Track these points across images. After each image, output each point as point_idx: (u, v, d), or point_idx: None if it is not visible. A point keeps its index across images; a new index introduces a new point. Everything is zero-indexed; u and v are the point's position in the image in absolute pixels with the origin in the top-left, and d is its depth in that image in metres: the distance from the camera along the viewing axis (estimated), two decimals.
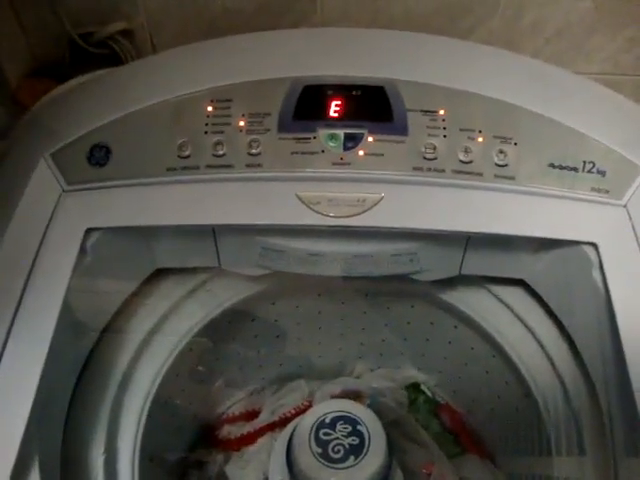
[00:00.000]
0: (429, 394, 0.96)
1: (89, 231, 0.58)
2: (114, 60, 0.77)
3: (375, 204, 0.56)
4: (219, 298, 0.73)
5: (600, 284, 0.55)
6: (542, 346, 0.68)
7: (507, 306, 0.71)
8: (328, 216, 0.56)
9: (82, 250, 0.57)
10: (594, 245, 0.56)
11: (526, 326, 0.71)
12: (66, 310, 0.54)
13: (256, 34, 0.65)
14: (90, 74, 0.70)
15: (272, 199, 0.57)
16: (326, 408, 0.68)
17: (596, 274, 0.56)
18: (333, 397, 0.97)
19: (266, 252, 0.62)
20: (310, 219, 0.56)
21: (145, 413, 0.64)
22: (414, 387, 0.97)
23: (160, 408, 0.67)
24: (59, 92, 0.69)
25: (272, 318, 0.86)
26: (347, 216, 0.56)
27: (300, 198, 0.56)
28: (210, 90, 0.60)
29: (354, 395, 0.98)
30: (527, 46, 0.78)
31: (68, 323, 0.54)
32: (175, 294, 0.71)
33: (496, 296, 0.72)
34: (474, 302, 0.74)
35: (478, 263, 0.65)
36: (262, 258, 0.63)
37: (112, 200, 0.58)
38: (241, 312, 0.79)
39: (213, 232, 0.62)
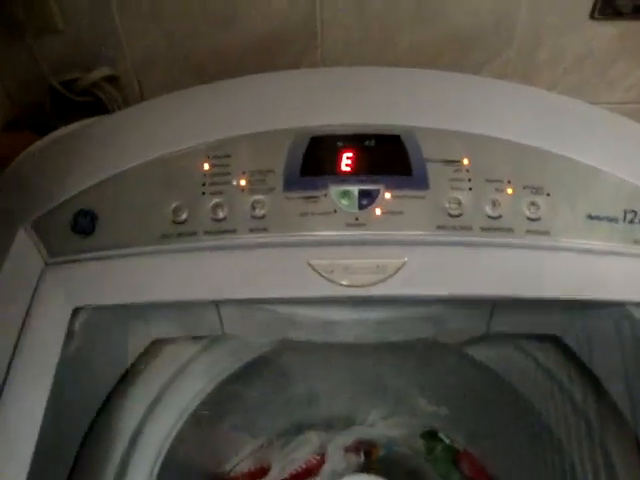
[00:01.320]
0: (447, 442, 0.91)
1: (77, 310, 0.51)
2: (99, 107, 0.70)
3: (397, 270, 0.50)
4: (224, 363, 0.66)
5: None
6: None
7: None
8: (345, 286, 0.50)
9: (69, 333, 0.51)
10: None
11: (556, 380, 0.65)
12: (55, 398, 0.48)
13: (253, 77, 0.59)
14: (75, 124, 0.63)
15: (281, 268, 0.51)
16: None
17: None
18: (347, 449, 0.92)
19: (275, 321, 0.55)
20: (325, 290, 0.50)
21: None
22: (431, 435, 0.92)
23: (167, 471, 0.64)
24: (39, 147, 0.62)
25: (280, 369, 0.80)
26: (366, 285, 0.50)
27: (313, 266, 0.50)
28: (206, 145, 0.54)
29: (368, 445, 0.93)
30: (545, 77, 0.72)
31: (57, 411, 0.48)
32: (177, 361, 0.65)
33: (524, 350, 0.66)
34: (499, 355, 0.68)
35: (507, 322, 0.60)
36: (270, 327, 0.56)
37: (101, 274, 0.52)
38: (247, 369, 0.73)
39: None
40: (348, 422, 0.92)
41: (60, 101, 0.70)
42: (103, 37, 0.67)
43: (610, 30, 0.68)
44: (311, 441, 0.90)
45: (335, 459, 0.87)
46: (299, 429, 0.91)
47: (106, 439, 0.59)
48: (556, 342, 0.63)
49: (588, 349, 0.60)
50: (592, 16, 0.67)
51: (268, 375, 0.80)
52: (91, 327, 0.52)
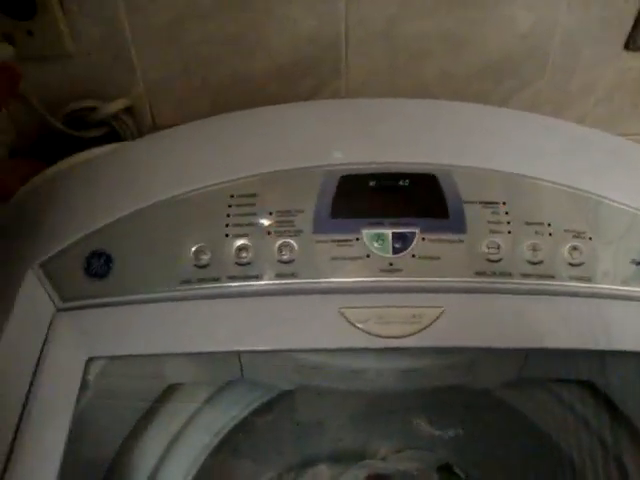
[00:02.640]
0: (463, 476, 0.88)
1: (91, 360, 0.48)
2: (110, 133, 0.67)
3: (434, 320, 0.47)
4: (239, 404, 0.63)
5: None
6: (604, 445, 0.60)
7: (567, 405, 0.63)
8: (379, 336, 0.47)
9: (84, 383, 0.47)
10: None
11: (586, 424, 0.62)
12: (70, 451, 0.44)
13: (276, 108, 0.56)
14: (86, 152, 0.60)
15: (310, 317, 0.48)
16: None
17: None
18: None
19: (301, 369, 0.52)
20: (357, 341, 0.47)
21: None
22: (446, 469, 0.89)
23: None
24: (47, 178, 0.58)
25: (290, 402, 0.76)
26: (402, 336, 0.47)
27: (344, 315, 0.47)
28: (230, 183, 0.51)
29: (382, 479, 0.90)
30: (576, 108, 0.70)
31: (73, 462, 0.45)
32: (193, 403, 0.62)
33: (554, 393, 0.63)
34: (526, 397, 0.66)
35: (540, 368, 0.57)
36: (293, 374, 0.53)
37: (117, 320, 0.49)
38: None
39: None
40: (360, 455, 0.89)
41: (64, 139, 0.66)
42: (116, 63, 0.63)
43: None
44: (322, 474, 0.88)
45: None
46: (309, 463, 0.88)
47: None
48: (590, 387, 0.60)
49: (622, 396, 0.57)
50: (627, 47, 0.64)
51: (277, 408, 0.77)
52: (107, 376, 0.49)
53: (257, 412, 0.73)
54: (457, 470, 0.89)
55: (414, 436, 0.89)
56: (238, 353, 0.53)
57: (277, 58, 0.64)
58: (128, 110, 0.66)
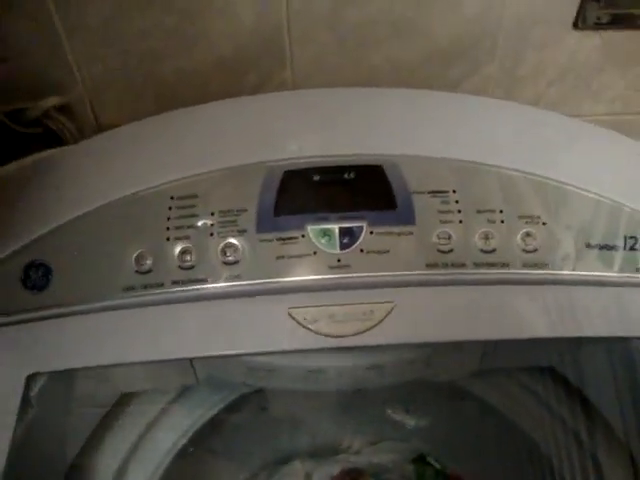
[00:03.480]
0: (437, 466, 0.88)
1: (32, 377, 0.46)
2: (51, 138, 0.64)
3: (385, 315, 0.46)
4: (205, 406, 0.62)
5: None
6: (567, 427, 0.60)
7: (531, 392, 0.62)
8: (330, 336, 0.45)
9: (25, 401, 0.45)
10: None
11: (550, 409, 0.62)
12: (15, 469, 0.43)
13: (218, 104, 0.54)
14: (24, 159, 0.57)
15: (258, 320, 0.46)
16: None
17: None
18: (333, 478, 0.89)
19: (255, 372, 0.51)
20: (308, 342, 0.46)
21: None
22: (421, 460, 0.89)
23: None
24: None
25: (261, 399, 0.75)
26: (353, 334, 0.45)
27: (293, 316, 0.46)
28: (169, 184, 0.49)
29: (356, 473, 0.89)
30: (528, 90, 0.68)
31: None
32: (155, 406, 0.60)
33: (518, 381, 0.63)
34: (491, 386, 0.65)
35: (501, 358, 0.56)
36: (250, 377, 0.52)
37: (57, 334, 0.47)
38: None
39: None
40: (334, 450, 0.88)
41: (6, 133, 0.63)
42: (51, 62, 0.61)
43: (594, 41, 0.65)
44: (296, 471, 0.87)
45: None
46: (283, 459, 0.87)
47: None
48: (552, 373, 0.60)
49: (583, 379, 0.57)
50: (575, 26, 0.63)
51: (247, 406, 0.76)
52: (51, 392, 0.47)
53: (226, 410, 0.72)
54: (431, 461, 0.89)
55: (389, 428, 0.89)
56: (190, 360, 0.51)
57: (219, 51, 0.62)
58: (66, 111, 0.64)
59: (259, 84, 0.65)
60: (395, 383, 0.54)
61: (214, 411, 0.69)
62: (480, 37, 0.63)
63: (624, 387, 0.52)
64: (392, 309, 0.46)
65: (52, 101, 0.61)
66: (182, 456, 0.67)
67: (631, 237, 0.49)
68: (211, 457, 0.79)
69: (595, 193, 0.49)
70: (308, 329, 0.46)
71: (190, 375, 0.54)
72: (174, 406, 0.64)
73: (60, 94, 0.63)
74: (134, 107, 0.64)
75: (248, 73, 0.65)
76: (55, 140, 0.65)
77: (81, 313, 0.47)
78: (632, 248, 0.49)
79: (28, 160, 0.57)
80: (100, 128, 0.66)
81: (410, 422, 0.88)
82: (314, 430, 0.89)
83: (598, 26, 0.62)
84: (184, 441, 0.67)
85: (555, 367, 0.58)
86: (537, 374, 0.61)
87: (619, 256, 0.49)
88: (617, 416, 0.55)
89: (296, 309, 0.46)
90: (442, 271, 0.47)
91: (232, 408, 0.72)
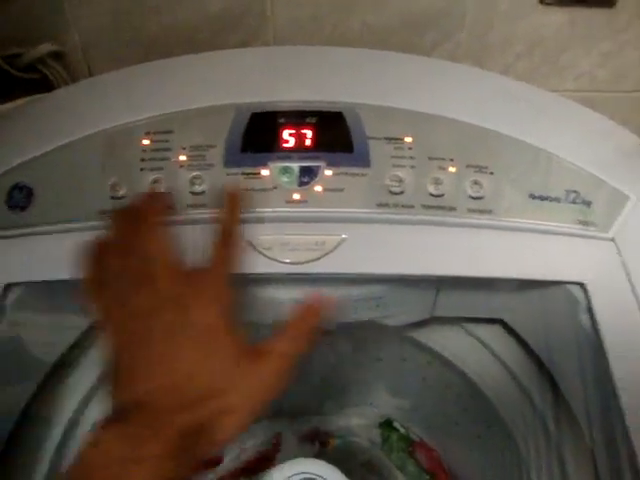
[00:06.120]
0: (403, 431, 0.90)
1: (9, 286, 0.50)
2: (46, 84, 0.69)
3: (335, 247, 0.50)
4: None
5: (589, 326, 0.50)
6: (522, 386, 0.63)
7: (483, 344, 0.66)
8: (283, 263, 0.49)
9: (1, 308, 0.49)
10: (581, 285, 0.50)
11: (504, 365, 0.65)
12: None
13: (198, 55, 0.58)
14: (18, 101, 0.62)
15: None
16: (289, 471, 0.61)
17: (584, 316, 0.50)
18: (301, 438, 0.91)
19: None
20: (263, 267, 0.49)
21: None
22: (387, 424, 0.91)
23: None
24: None
25: None
26: (304, 262, 0.49)
27: (251, 242, 0.49)
28: (147, 120, 0.53)
29: (323, 435, 0.92)
30: (497, 62, 0.72)
31: None
32: None
33: (471, 334, 0.66)
34: (447, 340, 0.68)
35: (452, 304, 0.59)
36: None
37: (35, 250, 0.51)
38: None
39: None
40: (303, 411, 0.91)
41: (4, 78, 0.68)
42: (48, 11, 0.65)
43: (561, 17, 0.68)
44: (263, 430, 0.90)
45: (289, 448, 0.86)
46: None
47: (42, 423, 0.57)
48: (502, 325, 0.63)
49: (536, 335, 0.59)
50: (542, 1, 0.66)
51: None
52: (24, 304, 0.51)
53: None
54: (397, 426, 0.91)
55: (357, 393, 0.91)
56: None
57: (205, 10, 0.66)
58: (61, 59, 0.68)
59: (243, 42, 0.69)
60: (345, 324, 0.57)
61: None
62: (450, 5, 0.67)
63: (565, 336, 0.55)
64: (342, 241, 0.50)
65: (46, 47, 0.66)
66: None
67: (573, 191, 0.52)
68: None
69: (542, 149, 0.53)
70: (264, 255, 0.49)
71: None
72: None
73: (56, 43, 0.67)
74: (126, 61, 0.68)
75: (233, 32, 0.69)
76: (52, 88, 0.69)
77: (57, 232, 0.51)
78: (573, 201, 0.52)
79: (21, 101, 0.61)
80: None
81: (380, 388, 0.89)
82: (284, 392, 0.91)
83: (564, 2, 0.65)
84: None
85: (504, 319, 0.60)
86: (488, 326, 0.64)
87: (560, 208, 0.52)
88: (562, 369, 0.57)
89: (254, 237, 0.50)
90: (392, 210, 0.51)
91: None
